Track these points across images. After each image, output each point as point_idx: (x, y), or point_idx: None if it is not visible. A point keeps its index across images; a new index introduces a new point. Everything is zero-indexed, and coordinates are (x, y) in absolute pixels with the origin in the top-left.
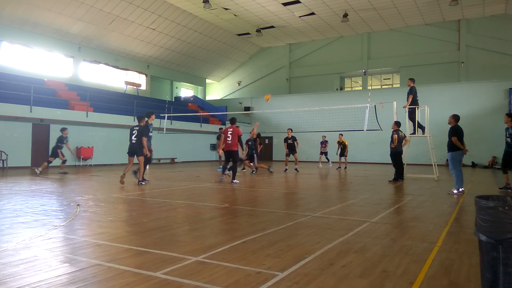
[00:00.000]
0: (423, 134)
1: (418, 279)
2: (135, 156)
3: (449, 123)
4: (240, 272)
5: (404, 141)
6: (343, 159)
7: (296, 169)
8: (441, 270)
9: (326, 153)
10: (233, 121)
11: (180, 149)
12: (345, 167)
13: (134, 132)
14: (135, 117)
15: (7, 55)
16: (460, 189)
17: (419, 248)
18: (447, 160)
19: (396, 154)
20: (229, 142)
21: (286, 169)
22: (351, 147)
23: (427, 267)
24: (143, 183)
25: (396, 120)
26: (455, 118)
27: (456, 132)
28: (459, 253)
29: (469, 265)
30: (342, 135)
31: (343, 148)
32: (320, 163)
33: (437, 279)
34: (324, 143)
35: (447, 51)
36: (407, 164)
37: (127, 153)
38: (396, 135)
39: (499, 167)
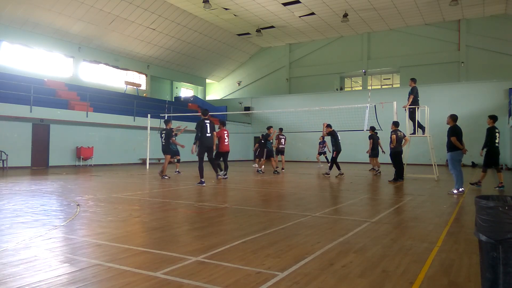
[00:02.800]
0: (423, 134)
1: (418, 279)
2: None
3: (447, 123)
4: (240, 272)
5: (403, 140)
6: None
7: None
8: (441, 270)
9: (325, 153)
10: (224, 122)
11: (180, 149)
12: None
13: (162, 135)
14: (161, 121)
15: (7, 55)
16: (460, 189)
17: (419, 248)
18: (447, 160)
19: (395, 154)
20: (227, 143)
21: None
22: (351, 147)
23: (427, 267)
24: (166, 177)
25: (395, 120)
26: (453, 118)
27: (455, 132)
28: (459, 253)
29: (469, 265)
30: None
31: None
32: (320, 163)
33: (437, 279)
34: (322, 143)
35: (447, 51)
36: (407, 164)
37: (162, 151)
38: (394, 135)
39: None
